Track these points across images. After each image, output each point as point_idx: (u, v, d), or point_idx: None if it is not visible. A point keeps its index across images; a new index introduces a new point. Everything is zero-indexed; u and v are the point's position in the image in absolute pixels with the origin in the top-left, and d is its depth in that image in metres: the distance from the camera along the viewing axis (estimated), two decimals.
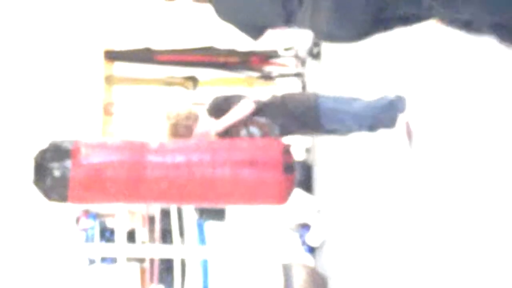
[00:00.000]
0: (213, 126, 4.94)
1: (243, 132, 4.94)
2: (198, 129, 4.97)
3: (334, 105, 5.04)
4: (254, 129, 4.93)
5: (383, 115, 5.04)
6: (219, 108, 5.00)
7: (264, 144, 4.75)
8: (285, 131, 4.99)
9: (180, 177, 4.55)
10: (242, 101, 4.94)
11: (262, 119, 4.95)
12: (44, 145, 4.63)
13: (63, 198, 4.52)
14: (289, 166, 4.72)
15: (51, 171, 4.49)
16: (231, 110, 4.91)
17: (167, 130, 5.02)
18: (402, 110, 5.07)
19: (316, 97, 5.08)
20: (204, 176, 4.57)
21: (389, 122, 5.07)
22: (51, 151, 4.53)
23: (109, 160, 4.53)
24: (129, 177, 4.51)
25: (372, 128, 5.09)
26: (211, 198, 4.70)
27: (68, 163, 4.48)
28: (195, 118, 5.02)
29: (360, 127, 5.05)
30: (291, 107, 5.03)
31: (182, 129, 4.97)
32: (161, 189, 4.57)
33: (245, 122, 4.94)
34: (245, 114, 4.89)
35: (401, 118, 5.12)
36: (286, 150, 4.76)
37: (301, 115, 5.00)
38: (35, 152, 4.64)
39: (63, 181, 4.48)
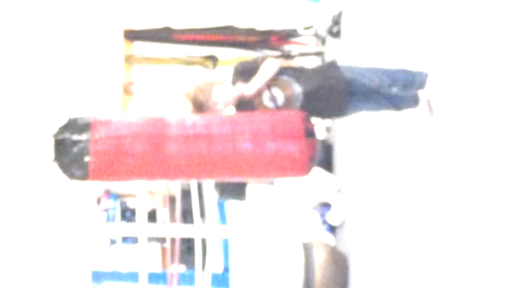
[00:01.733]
0: (244, 88, 4.89)
1: (266, 94, 4.91)
2: (219, 96, 4.91)
3: (356, 67, 5.04)
4: (277, 90, 4.89)
5: (406, 77, 5.00)
6: (247, 70, 4.94)
7: (284, 115, 4.72)
8: (307, 92, 4.92)
9: (200, 151, 4.54)
10: (267, 60, 4.89)
11: (284, 77, 4.91)
12: (62, 122, 4.61)
13: (83, 174, 4.51)
14: (311, 132, 4.69)
15: (71, 146, 4.48)
16: (259, 71, 4.87)
17: (189, 108, 4.99)
18: (422, 85, 5.03)
19: (335, 61, 5.09)
20: (225, 150, 4.56)
21: (410, 89, 5.03)
22: (70, 126, 4.52)
23: (129, 132, 4.51)
24: (149, 151, 4.50)
25: (393, 88, 5.01)
26: (233, 172, 4.69)
27: (88, 136, 4.47)
28: (211, 89, 4.98)
29: (382, 82, 4.97)
30: (313, 67, 5.02)
31: (202, 103, 4.94)
32: (182, 163, 4.56)
33: (268, 85, 4.90)
34: (274, 71, 4.85)
35: (422, 95, 5.08)
36: (307, 119, 4.72)
37: (325, 70, 4.97)
38: (54, 129, 4.63)
39: (83, 155, 4.46)
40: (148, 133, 4.54)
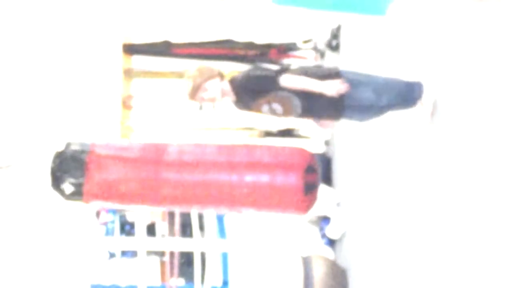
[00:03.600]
0: (287, 79, 4.85)
1: (265, 108, 4.91)
2: (210, 86, 4.88)
3: (354, 75, 5.04)
4: (276, 106, 4.90)
5: (401, 90, 5.01)
6: (261, 80, 4.92)
7: (287, 151, 4.71)
8: (306, 108, 4.93)
9: (194, 180, 4.53)
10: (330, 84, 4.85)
11: (284, 93, 4.91)
12: (60, 147, 4.62)
13: (78, 202, 4.56)
14: (312, 171, 4.68)
15: (66, 184, 4.52)
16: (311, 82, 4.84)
17: (188, 89, 4.95)
18: (419, 94, 5.04)
19: (337, 68, 5.08)
20: (219, 180, 4.55)
21: (407, 101, 5.04)
22: (66, 160, 4.54)
23: (123, 176, 4.52)
24: (144, 188, 4.51)
25: (387, 107, 5.02)
26: (227, 203, 4.67)
27: (82, 179, 4.50)
28: (209, 75, 4.95)
29: (379, 99, 4.98)
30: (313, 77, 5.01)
31: (197, 86, 4.92)
32: (177, 192, 4.56)
33: (267, 98, 4.90)
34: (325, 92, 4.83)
35: (420, 106, 5.10)
36: (311, 158, 4.70)
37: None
38: (52, 152, 4.64)
39: (77, 193, 4.52)
40: (143, 177, 4.54)
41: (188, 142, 4.75)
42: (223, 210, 4.83)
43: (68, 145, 4.57)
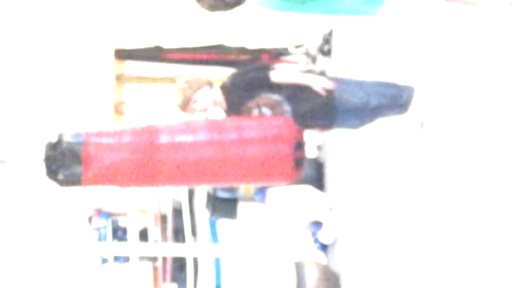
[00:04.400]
0: (277, 73, 4.91)
1: (255, 112, 4.93)
2: (200, 97, 4.92)
3: (344, 79, 5.08)
4: (266, 109, 4.92)
5: (390, 97, 5.03)
6: (254, 81, 4.97)
7: (273, 121, 4.76)
8: (296, 113, 4.95)
9: (189, 158, 4.58)
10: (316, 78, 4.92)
11: (274, 96, 4.93)
12: (53, 138, 4.62)
13: (76, 180, 4.58)
14: (300, 143, 4.74)
15: (62, 175, 4.53)
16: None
17: (178, 102, 4.99)
18: (409, 98, 5.05)
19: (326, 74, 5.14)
20: (212, 156, 4.60)
21: (398, 105, 5.05)
22: (61, 154, 4.54)
23: (120, 161, 4.55)
24: (141, 158, 4.56)
25: (377, 109, 5.03)
26: (221, 178, 4.73)
27: (79, 169, 4.52)
28: (198, 86, 4.98)
29: (369, 100, 4.99)
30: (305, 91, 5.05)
31: (187, 97, 4.95)
32: (172, 172, 4.61)
33: (257, 102, 4.92)
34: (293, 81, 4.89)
35: (411, 111, 5.10)
36: (296, 128, 4.77)
37: (315, 99, 5.00)
38: (44, 144, 4.64)
39: (75, 182, 4.53)
40: (139, 157, 4.57)
41: (178, 122, 4.79)
42: (217, 185, 4.95)
43: (60, 136, 4.59)
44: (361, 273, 6.99)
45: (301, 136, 4.82)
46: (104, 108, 10.38)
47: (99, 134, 4.61)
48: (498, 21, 4.03)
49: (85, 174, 4.52)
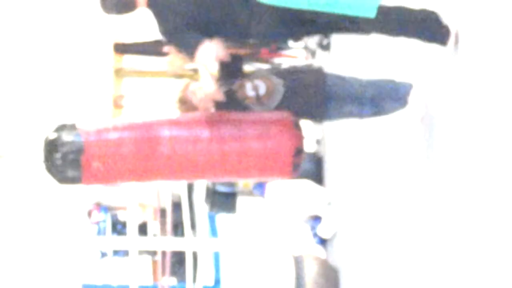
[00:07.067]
0: (203, 88, 4.89)
1: (249, 86, 4.95)
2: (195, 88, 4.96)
3: (339, 75, 5.10)
4: (259, 82, 4.95)
5: (387, 89, 5.05)
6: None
7: (273, 116, 4.79)
8: (289, 94, 4.97)
9: (188, 153, 4.60)
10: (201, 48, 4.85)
11: (263, 71, 5.00)
12: (51, 135, 4.63)
13: (76, 177, 4.56)
14: (299, 149, 4.77)
15: (63, 150, 4.52)
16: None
17: (181, 109, 5.03)
18: (407, 95, 5.06)
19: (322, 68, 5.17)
20: (212, 151, 4.62)
21: (395, 98, 5.07)
22: (60, 152, 4.55)
23: (119, 155, 4.56)
24: (141, 153, 4.57)
25: (375, 100, 5.05)
26: (220, 173, 4.76)
27: (78, 169, 4.52)
28: (186, 86, 5.03)
29: (363, 95, 5.01)
30: (297, 69, 5.08)
31: (187, 102, 4.99)
32: (172, 167, 4.62)
33: (251, 77, 4.96)
34: (213, 56, 4.81)
35: (410, 107, 5.11)
36: (296, 123, 4.79)
37: (307, 75, 5.04)
38: (43, 141, 4.64)
39: (76, 160, 4.50)
40: (140, 137, 4.59)
41: (178, 117, 4.82)
42: (216, 180, 4.96)
43: (59, 134, 4.58)
44: (360, 267, 7.01)
45: (301, 143, 4.83)
46: (103, 101, 10.39)
47: (98, 131, 4.61)
48: (499, 14, 4.03)
49: (84, 173, 4.52)
